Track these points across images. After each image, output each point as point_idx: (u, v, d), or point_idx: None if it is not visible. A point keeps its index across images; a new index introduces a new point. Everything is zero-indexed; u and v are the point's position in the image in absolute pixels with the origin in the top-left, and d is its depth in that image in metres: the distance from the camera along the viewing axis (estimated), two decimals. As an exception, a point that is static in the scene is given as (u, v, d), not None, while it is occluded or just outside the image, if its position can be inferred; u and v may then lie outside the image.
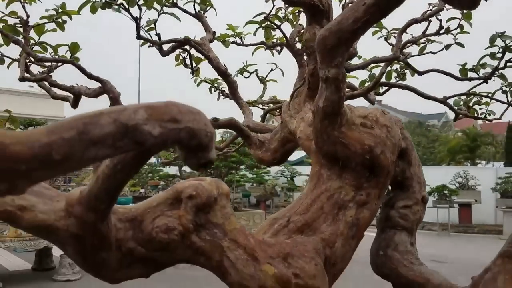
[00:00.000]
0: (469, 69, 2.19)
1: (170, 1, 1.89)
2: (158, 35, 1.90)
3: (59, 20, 1.79)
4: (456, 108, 2.27)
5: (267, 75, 2.69)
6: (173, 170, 17.89)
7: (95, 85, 1.62)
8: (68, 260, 7.58)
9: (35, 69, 2.00)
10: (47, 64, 1.86)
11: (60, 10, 1.78)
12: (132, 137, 0.56)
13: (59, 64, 1.86)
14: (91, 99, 1.66)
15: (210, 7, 2.13)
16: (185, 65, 2.32)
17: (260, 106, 2.77)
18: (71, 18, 1.81)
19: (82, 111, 0.58)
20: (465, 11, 1.99)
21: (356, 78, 2.52)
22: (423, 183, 1.32)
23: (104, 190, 0.82)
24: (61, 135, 0.50)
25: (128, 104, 0.60)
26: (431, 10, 2.05)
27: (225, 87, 2.68)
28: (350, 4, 1.94)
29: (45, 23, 1.81)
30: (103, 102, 1.60)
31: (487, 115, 2.35)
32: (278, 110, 2.65)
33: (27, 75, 1.78)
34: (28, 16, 1.80)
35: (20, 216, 0.86)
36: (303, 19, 2.25)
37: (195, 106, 0.67)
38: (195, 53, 2.18)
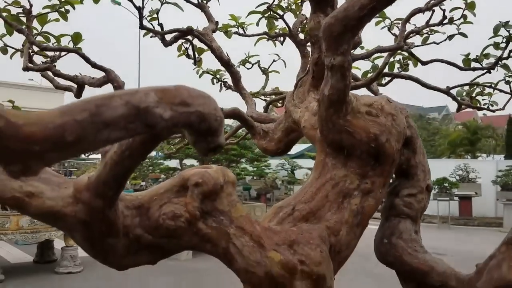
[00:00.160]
0: (472, 60, 2.19)
1: (173, -10, 1.88)
2: (160, 25, 1.90)
3: (62, 9, 1.79)
4: (459, 98, 2.27)
5: (269, 66, 2.69)
6: (174, 163, 17.91)
7: (98, 74, 1.62)
8: (70, 252, 7.61)
9: (38, 60, 2.00)
10: (50, 54, 1.86)
11: (63, 0, 1.78)
12: (144, 120, 0.56)
13: (62, 54, 1.85)
14: (94, 89, 1.66)
15: (213, -3, 2.12)
16: (188, 56, 2.32)
17: (262, 97, 2.77)
18: (74, 8, 1.80)
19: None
20: (469, 1, 1.99)
21: (359, 69, 2.52)
22: (428, 172, 1.33)
23: (112, 176, 0.83)
24: (74, 117, 0.51)
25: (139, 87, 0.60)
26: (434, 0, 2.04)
27: (227, 78, 2.68)
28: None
29: (48, 12, 1.80)
30: (107, 92, 1.59)
31: (490, 106, 2.35)
32: (280, 101, 2.65)
33: (30, 65, 1.78)
34: (31, 6, 1.80)
35: (28, 203, 0.86)
36: (306, 9, 2.25)
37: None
38: (198, 43, 2.17)
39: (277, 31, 2.31)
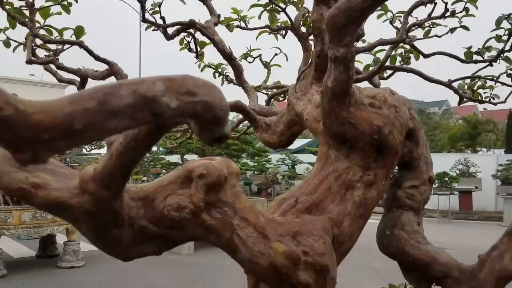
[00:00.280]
0: (474, 52, 2.19)
1: (175, -17, 1.88)
2: (162, 18, 1.90)
3: (65, 2, 1.79)
4: (460, 92, 2.27)
5: (271, 60, 2.69)
6: (175, 158, 17.94)
7: (101, 68, 1.62)
8: (72, 247, 7.64)
9: (40, 54, 2.00)
10: (53, 48, 1.86)
11: (65, -7, 1.78)
12: (151, 109, 0.57)
13: (65, 48, 1.86)
14: (97, 82, 1.66)
15: (215, -11, 2.11)
16: (189, 49, 2.32)
17: (264, 91, 2.77)
18: (77, 1, 1.80)
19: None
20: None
21: (360, 62, 2.52)
22: (430, 163, 1.33)
23: (117, 167, 0.83)
24: (82, 105, 0.51)
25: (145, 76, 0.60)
26: (436, -8, 2.03)
27: (229, 72, 2.68)
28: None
29: (51, 5, 1.80)
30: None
31: (491, 99, 2.35)
32: (282, 95, 2.66)
33: (33, 58, 1.78)
34: (34, -1, 1.80)
35: (34, 194, 0.87)
36: (308, 2, 2.24)
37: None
38: (200, 37, 2.17)
39: (279, 24, 2.30)
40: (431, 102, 43.99)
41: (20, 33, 1.96)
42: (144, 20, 1.79)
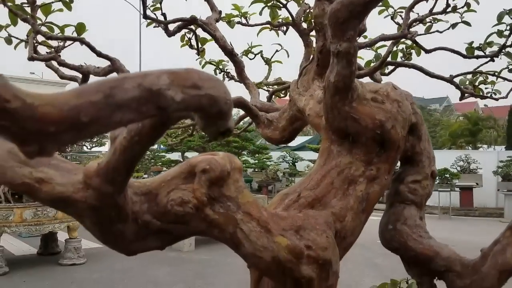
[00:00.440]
0: (476, 48, 2.18)
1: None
2: (164, 14, 1.90)
3: (66, -1, 1.79)
4: (462, 87, 2.27)
5: (272, 56, 2.68)
6: (175, 156, 17.94)
7: (103, 64, 1.62)
8: (74, 244, 7.66)
9: (42, 51, 2.00)
10: (54, 45, 1.86)
11: (67, -11, 1.78)
12: (156, 102, 0.57)
13: (66, 44, 1.86)
14: (99, 78, 1.66)
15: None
16: (191, 46, 2.32)
17: (265, 88, 2.77)
18: (78, -3, 1.80)
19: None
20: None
21: (362, 58, 2.52)
22: (433, 158, 1.33)
23: (121, 162, 0.83)
24: (88, 98, 0.51)
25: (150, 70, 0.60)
26: (438, -13, 2.03)
27: (230, 68, 2.68)
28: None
29: (52, 2, 1.80)
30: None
31: (493, 94, 2.35)
32: (283, 92, 2.66)
33: (35, 55, 1.78)
34: (35, -5, 1.80)
35: (38, 189, 0.87)
36: (309, -2, 2.23)
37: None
38: (201, 33, 2.17)
39: (280, 20, 2.30)
40: (432, 99, 43.94)
41: (21, 30, 1.96)
42: (145, 16, 1.79)
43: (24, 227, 7.12)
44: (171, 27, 1.96)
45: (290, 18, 2.03)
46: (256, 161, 19.10)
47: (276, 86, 2.67)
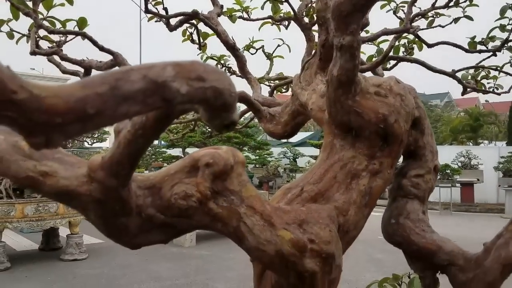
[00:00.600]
0: (478, 42, 2.18)
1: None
2: (165, 9, 1.89)
3: (68, -7, 1.78)
4: (464, 82, 2.27)
5: (273, 51, 2.68)
6: (176, 151, 17.96)
7: (105, 59, 1.62)
8: (75, 240, 7.69)
9: (43, 46, 2.00)
10: (56, 40, 1.86)
11: (68, -16, 1.77)
12: (161, 94, 0.57)
13: (68, 39, 1.85)
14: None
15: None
16: (192, 41, 2.31)
17: (267, 83, 2.77)
18: (79, -8, 1.80)
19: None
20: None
21: (364, 53, 2.51)
22: (436, 152, 1.33)
23: (125, 155, 0.84)
24: (94, 90, 0.51)
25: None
26: (440, -19, 2.02)
27: (231, 63, 2.68)
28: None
29: (54, -4, 1.80)
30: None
31: (495, 89, 2.35)
32: (285, 87, 2.65)
33: (37, 49, 1.78)
34: (37, -11, 1.79)
35: (42, 182, 0.87)
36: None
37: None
38: (202, 28, 2.17)
39: (281, 15, 2.30)
40: (433, 95, 43.89)
41: (23, 25, 1.96)
42: (147, 10, 1.78)
43: (26, 223, 7.14)
44: (173, 21, 1.96)
45: (292, 13, 2.03)
46: (257, 157, 19.11)
47: (277, 81, 2.66)
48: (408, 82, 1.37)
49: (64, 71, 1.85)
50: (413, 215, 1.28)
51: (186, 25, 2.18)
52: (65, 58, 1.75)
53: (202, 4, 2.26)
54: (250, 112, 2.20)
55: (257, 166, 19.44)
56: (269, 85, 2.70)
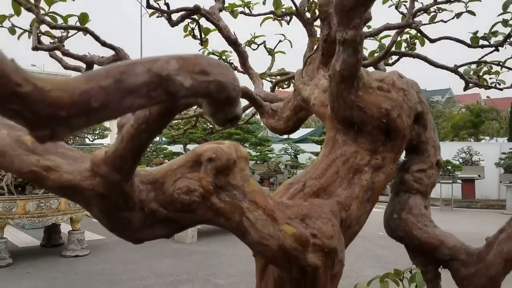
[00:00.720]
0: (480, 37, 2.17)
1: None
2: (167, 4, 1.89)
3: (70, -12, 1.78)
4: (466, 77, 2.26)
5: (275, 47, 2.67)
6: (177, 148, 17.97)
7: (107, 54, 1.62)
8: (77, 236, 7.71)
9: (45, 42, 2.00)
10: (58, 35, 1.86)
11: (69, -21, 1.77)
12: (165, 87, 0.57)
13: (70, 35, 1.85)
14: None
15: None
16: (194, 36, 2.31)
17: (268, 78, 2.76)
18: (81, -13, 1.79)
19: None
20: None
21: (366, 48, 2.51)
22: (438, 147, 1.33)
23: (129, 150, 0.84)
24: (99, 83, 0.51)
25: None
26: (443, -24, 2.02)
27: (233, 59, 2.68)
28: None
29: (56, -8, 1.79)
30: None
31: (497, 84, 2.34)
32: (286, 83, 2.65)
33: (38, 45, 1.78)
34: (39, -15, 1.79)
35: (45, 177, 0.88)
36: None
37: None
38: (204, 23, 2.16)
39: (283, 10, 2.29)
40: (434, 91, 43.81)
41: (24, 21, 1.96)
42: (148, 6, 1.78)
43: (27, 219, 7.16)
44: (174, 17, 1.96)
45: (294, 8, 2.02)
46: (258, 154, 19.11)
47: (279, 77, 2.66)
48: (409, 77, 1.36)
49: (66, 67, 1.85)
50: (416, 210, 1.28)
51: (187, 21, 2.18)
52: (67, 54, 1.75)
53: (203, 1, 2.26)
54: (252, 108, 2.21)
55: (258, 162, 19.44)
56: (271, 81, 2.70)
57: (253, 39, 2.63)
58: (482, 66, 2.30)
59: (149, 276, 6.61)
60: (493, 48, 2.12)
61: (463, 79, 2.21)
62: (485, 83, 2.32)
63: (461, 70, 2.22)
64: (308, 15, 2.06)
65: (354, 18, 1.04)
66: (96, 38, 1.59)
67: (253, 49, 2.68)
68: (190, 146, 16.33)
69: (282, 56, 2.81)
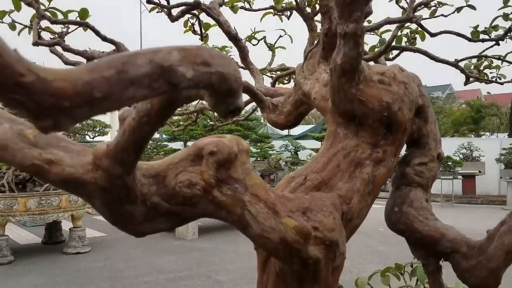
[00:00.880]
0: (481, 32, 2.17)
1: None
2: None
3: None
4: (467, 72, 2.26)
5: (275, 42, 2.67)
6: (178, 145, 17.97)
7: (107, 49, 1.62)
8: (78, 233, 7.72)
9: (45, 37, 2.00)
10: (58, 31, 1.86)
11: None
12: (167, 78, 0.57)
13: (70, 30, 1.85)
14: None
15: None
16: (194, 32, 2.31)
17: (269, 74, 2.76)
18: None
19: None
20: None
21: (366, 44, 2.51)
22: (439, 141, 1.33)
23: (130, 143, 0.84)
24: (101, 74, 0.51)
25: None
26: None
27: (233, 54, 2.67)
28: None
29: (56, -13, 1.79)
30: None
31: (498, 79, 2.34)
32: (286, 78, 2.65)
33: (39, 40, 1.78)
34: (38, -20, 1.79)
35: (48, 170, 0.88)
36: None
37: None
38: (204, 19, 2.16)
39: (283, 5, 2.29)
40: (435, 87, 43.78)
41: (24, 16, 1.96)
42: (148, 1, 1.78)
43: (29, 216, 7.17)
44: (174, 12, 1.95)
45: (294, 2, 2.02)
46: (259, 150, 19.11)
47: (279, 72, 2.66)
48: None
49: (67, 62, 1.85)
50: (417, 203, 1.28)
51: (187, 16, 2.18)
52: (67, 49, 1.75)
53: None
54: (252, 104, 2.21)
55: (258, 159, 19.45)
56: (271, 77, 2.70)
57: (253, 34, 2.63)
58: (483, 60, 2.29)
59: (150, 272, 6.63)
60: (494, 42, 2.12)
61: (463, 73, 2.21)
62: (486, 78, 2.31)
63: (461, 64, 2.22)
64: (308, 9, 2.06)
65: (355, 11, 1.04)
66: (97, 32, 1.59)
67: (254, 45, 2.68)
68: (191, 143, 16.32)
69: (282, 51, 2.81)
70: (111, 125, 16.33)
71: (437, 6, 2.25)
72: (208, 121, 13.21)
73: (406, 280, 2.04)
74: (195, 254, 7.66)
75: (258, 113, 1.99)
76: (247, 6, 2.32)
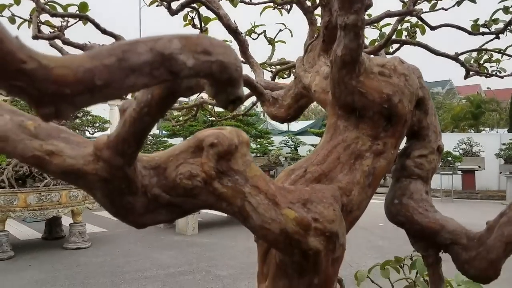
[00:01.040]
0: (481, 25, 2.17)
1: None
2: (167, -7, 1.88)
3: (69, -24, 1.77)
4: (467, 65, 2.26)
5: (275, 36, 2.67)
6: (177, 141, 17.97)
7: (107, 43, 1.61)
8: (78, 228, 7.74)
9: (45, 31, 1.99)
10: (58, 25, 1.85)
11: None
12: (168, 66, 0.57)
13: (70, 24, 1.84)
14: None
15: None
16: (194, 26, 2.30)
17: (269, 68, 2.76)
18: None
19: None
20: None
21: (366, 37, 2.50)
22: (439, 133, 1.33)
23: (131, 134, 0.84)
24: (102, 61, 0.51)
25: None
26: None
27: (233, 49, 2.67)
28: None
29: (55, -20, 1.79)
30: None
31: (498, 72, 2.34)
32: (286, 72, 2.65)
33: (39, 34, 1.78)
34: (37, -26, 1.78)
35: (48, 161, 0.88)
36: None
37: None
38: (204, 13, 2.16)
39: (283, -2, 2.28)
40: (435, 82, 43.76)
41: (24, 10, 1.95)
42: (148, -6, 1.77)
43: (29, 212, 7.19)
44: (174, 5, 1.95)
45: (294, -4, 2.02)
46: (258, 146, 19.13)
47: (279, 66, 2.65)
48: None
49: (66, 56, 1.84)
50: (416, 195, 1.28)
51: (187, 10, 2.17)
52: (67, 42, 1.75)
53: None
54: (251, 99, 2.21)
55: (258, 155, 19.46)
56: (271, 71, 2.69)
57: (253, 28, 2.62)
58: (483, 54, 2.29)
59: (151, 267, 6.64)
60: (494, 36, 2.12)
61: (463, 67, 2.21)
62: (486, 71, 2.31)
63: (462, 58, 2.21)
64: (308, 3, 2.05)
65: (356, 3, 1.04)
66: (97, 26, 1.59)
67: (253, 39, 2.68)
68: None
69: (282, 45, 2.81)
70: (111, 120, 16.32)
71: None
72: (208, 116, 13.21)
73: (405, 273, 2.05)
74: (195, 249, 7.68)
75: (258, 108, 1.98)
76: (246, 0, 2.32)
